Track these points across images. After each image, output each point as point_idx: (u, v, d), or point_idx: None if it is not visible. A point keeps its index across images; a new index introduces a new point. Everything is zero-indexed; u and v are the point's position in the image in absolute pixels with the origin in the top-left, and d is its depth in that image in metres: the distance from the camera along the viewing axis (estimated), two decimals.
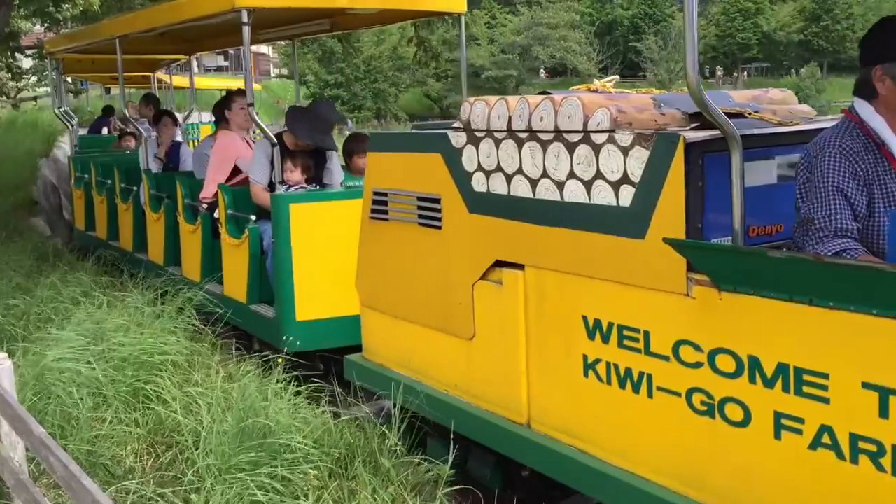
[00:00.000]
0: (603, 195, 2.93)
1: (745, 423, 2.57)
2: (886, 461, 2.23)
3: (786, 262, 2.34)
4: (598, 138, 2.92)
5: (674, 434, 2.79)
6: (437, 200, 3.70)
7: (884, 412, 2.21)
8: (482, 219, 3.47)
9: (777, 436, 2.48)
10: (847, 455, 2.31)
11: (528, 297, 3.31)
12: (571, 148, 3.03)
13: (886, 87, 2.64)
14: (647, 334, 2.84)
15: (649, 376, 2.85)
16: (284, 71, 58.76)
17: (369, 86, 57.77)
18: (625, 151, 2.83)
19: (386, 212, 4.04)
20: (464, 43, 5.25)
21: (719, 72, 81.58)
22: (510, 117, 3.29)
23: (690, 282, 2.66)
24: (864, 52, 2.70)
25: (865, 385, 2.24)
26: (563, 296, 3.15)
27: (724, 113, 3.00)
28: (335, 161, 5.64)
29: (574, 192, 3.04)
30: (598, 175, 2.94)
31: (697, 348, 2.68)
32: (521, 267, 3.33)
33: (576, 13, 70.17)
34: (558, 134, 3.07)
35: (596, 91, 3.61)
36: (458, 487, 3.68)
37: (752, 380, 2.53)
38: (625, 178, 2.84)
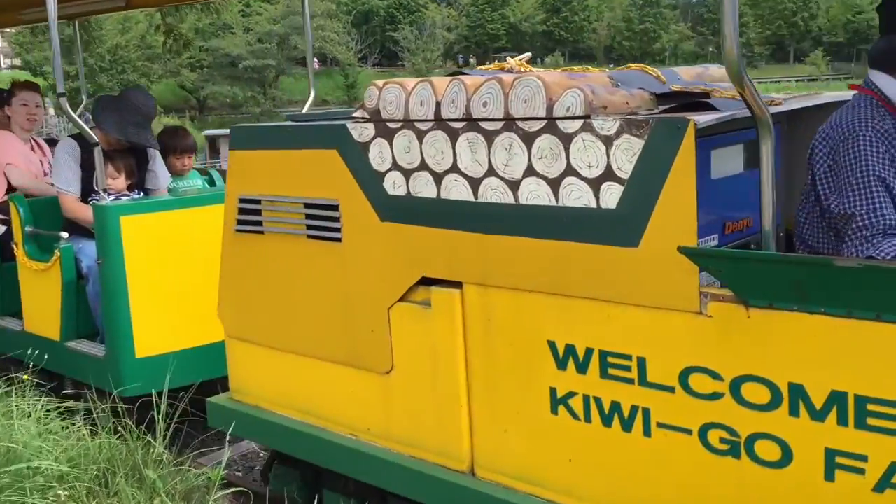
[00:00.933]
0: (576, 196, 2.41)
1: (783, 463, 2.15)
2: None
3: (863, 273, 1.94)
4: (569, 126, 2.39)
5: (682, 478, 2.34)
6: (335, 207, 3.02)
7: None
8: (401, 228, 2.85)
9: (829, 477, 2.09)
10: None
11: (469, 321, 2.73)
12: (529, 139, 2.48)
13: None
14: (642, 362, 2.37)
15: (646, 411, 2.38)
16: (17, 62, 53.48)
17: (116, 76, 53.83)
18: (608, 141, 2.32)
19: (259, 223, 3.29)
20: (308, 22, 4.53)
21: (472, 60, 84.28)
22: (438, 104, 2.68)
23: (704, 297, 2.21)
24: (890, 17, 2.35)
25: None
26: (520, 318, 2.61)
27: (690, 93, 2.60)
28: (158, 161, 4.72)
29: (535, 194, 2.50)
30: (570, 171, 2.42)
31: (715, 376, 2.23)
32: (457, 285, 2.75)
33: (332, 2, 69.48)
34: (510, 122, 2.52)
35: (511, 70, 3.09)
36: (231, 490, 3.51)
37: (794, 412, 2.12)
38: (608, 175, 2.34)
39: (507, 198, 2.56)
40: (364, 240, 2.96)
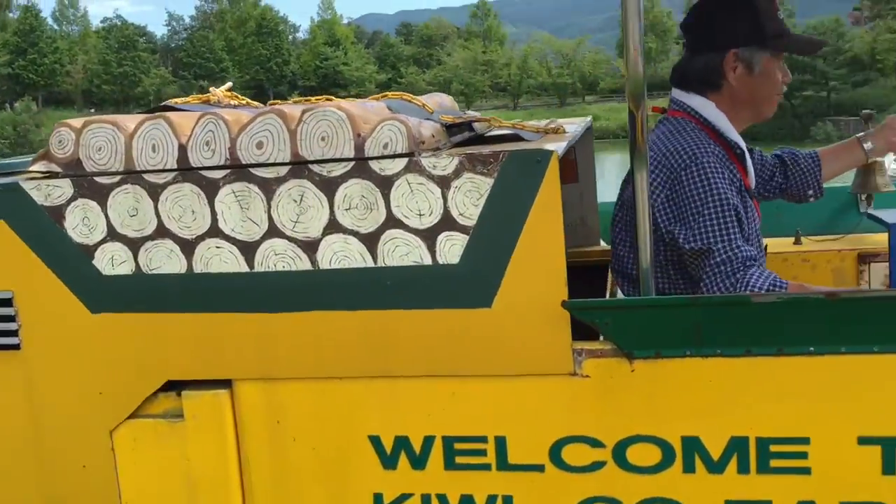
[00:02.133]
0: (403, 252, 1.94)
1: None
2: None
3: (783, 306, 1.79)
4: (388, 168, 1.92)
5: None
6: (5, 302, 2.11)
7: (889, 468, 1.84)
8: (129, 319, 2.07)
9: None
10: None
11: (246, 428, 2.08)
12: (330, 186, 1.95)
13: (738, 77, 2.24)
14: (500, 442, 1.98)
15: (507, 499, 2.00)
16: None
17: None
18: (444, 183, 1.90)
19: None
20: None
21: None
22: (183, 147, 2.00)
23: (579, 355, 1.91)
24: (705, 35, 2.25)
25: (864, 441, 1.84)
26: (326, 414, 2.04)
27: (466, 122, 2.32)
28: None
29: (341, 255, 1.97)
30: (392, 223, 1.94)
31: (595, 444, 1.94)
32: (224, 384, 2.08)
33: None
34: (301, 167, 1.95)
35: (219, 102, 2.49)
36: None
37: (688, 468, 1.92)
38: (447, 223, 1.91)
39: (301, 263, 1.98)
40: (63, 342, 2.11)
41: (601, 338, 2.02)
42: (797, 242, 3.01)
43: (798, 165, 2.66)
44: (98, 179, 2.03)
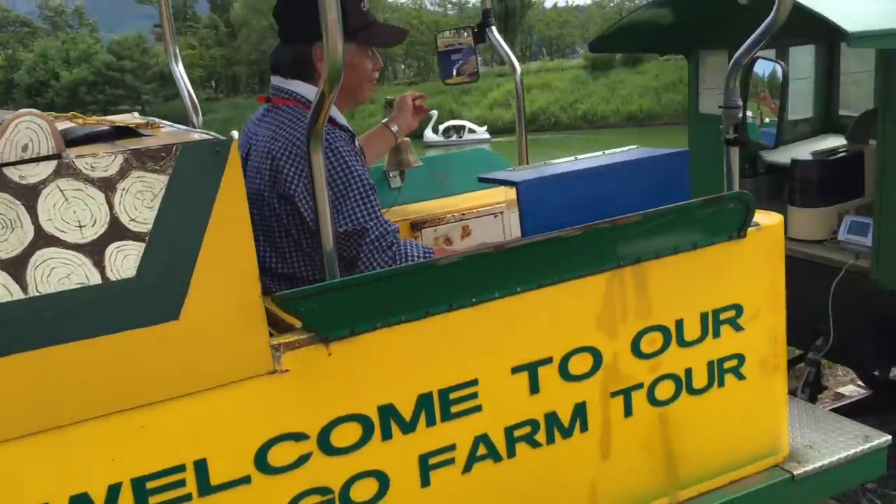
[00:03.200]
0: (62, 275, 1.58)
1: (379, 495, 1.99)
2: (541, 435, 2.17)
3: (460, 265, 1.90)
4: (32, 174, 1.54)
5: None
6: None
7: (534, 388, 2.14)
8: None
9: (425, 482, 2.05)
10: (504, 452, 2.13)
11: None
12: None
13: None
14: (201, 466, 1.78)
15: None
16: None
17: None
18: (108, 185, 1.60)
19: None
20: None
21: None
22: None
23: (277, 350, 1.81)
24: (293, 26, 2.17)
25: (516, 370, 2.10)
26: None
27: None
28: None
29: None
30: (43, 241, 1.56)
31: (300, 438, 1.87)
32: None
33: None
34: None
35: None
36: None
37: (386, 435, 1.97)
38: (116, 232, 1.62)
39: None
40: None
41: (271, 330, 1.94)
42: None
43: None
44: None
